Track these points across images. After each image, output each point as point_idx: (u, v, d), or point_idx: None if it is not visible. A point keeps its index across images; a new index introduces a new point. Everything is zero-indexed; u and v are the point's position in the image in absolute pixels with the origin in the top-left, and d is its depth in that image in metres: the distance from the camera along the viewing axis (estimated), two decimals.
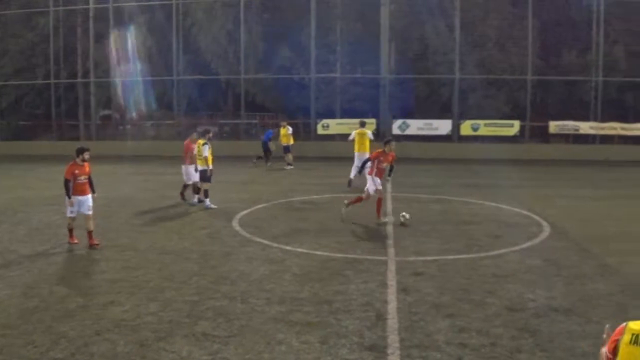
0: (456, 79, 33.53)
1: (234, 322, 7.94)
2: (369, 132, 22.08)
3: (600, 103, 33.24)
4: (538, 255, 11.71)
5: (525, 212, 16.24)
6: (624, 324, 3.60)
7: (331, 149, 32.70)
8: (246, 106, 36.39)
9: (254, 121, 38.10)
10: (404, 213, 14.85)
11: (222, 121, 38.72)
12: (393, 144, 15.35)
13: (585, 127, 32.75)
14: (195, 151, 17.36)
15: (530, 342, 7.47)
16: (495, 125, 32.89)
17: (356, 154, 21.45)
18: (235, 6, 35.67)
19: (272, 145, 28.27)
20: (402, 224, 14.56)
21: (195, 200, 17.52)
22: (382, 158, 14.95)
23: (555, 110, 33.68)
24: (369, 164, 15.05)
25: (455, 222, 15.04)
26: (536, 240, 13.05)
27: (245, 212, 16.28)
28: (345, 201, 15.39)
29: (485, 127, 32.89)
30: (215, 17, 36.29)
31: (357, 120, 28.85)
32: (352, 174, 20.97)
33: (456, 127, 33.12)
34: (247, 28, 35.59)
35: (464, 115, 33.52)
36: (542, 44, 34.30)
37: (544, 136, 33.76)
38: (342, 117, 34.45)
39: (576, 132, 33.06)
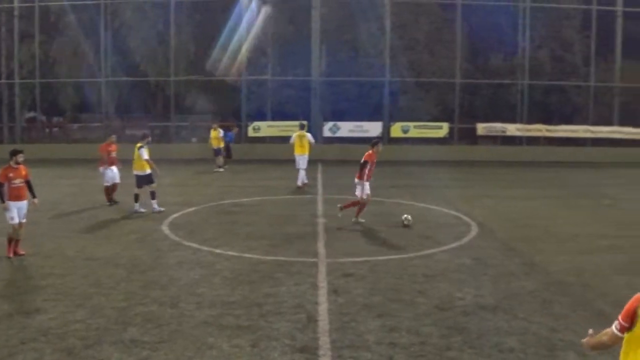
0: (386, 82, 33.89)
1: (163, 328, 7.84)
2: (308, 135, 22.27)
3: (527, 105, 34.13)
4: (466, 255, 11.96)
5: (454, 213, 16.54)
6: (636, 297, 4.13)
7: (262, 151, 32.64)
8: (176, 108, 35.89)
9: (185, 124, 37.59)
10: (406, 215, 15.03)
11: (151, 124, 38.06)
12: (381, 144, 15.66)
13: (512, 129, 33.58)
14: (134, 155, 17.00)
15: (459, 339, 7.62)
16: (425, 127, 33.41)
17: (296, 156, 21.64)
18: (165, 6, 35.15)
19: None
20: (405, 226, 14.76)
21: (155, 206, 16.82)
22: (374, 159, 15.12)
23: (483, 113, 34.40)
24: (367, 166, 14.93)
25: (386, 223, 15.18)
26: (465, 240, 13.32)
27: (175, 215, 16.08)
28: (339, 205, 15.60)
29: (415, 129, 33.36)
30: (145, 17, 35.65)
31: (288, 123, 28.99)
32: (300, 180, 21.29)
33: (386, 129, 33.46)
34: (178, 29, 35.13)
35: (394, 118, 33.91)
36: (470, 47, 34.98)
37: (472, 138, 34.47)
38: (273, 119, 34.37)
39: (503, 134, 33.86)
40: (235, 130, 31.75)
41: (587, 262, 11.70)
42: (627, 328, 4.16)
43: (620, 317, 4.19)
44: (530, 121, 33.82)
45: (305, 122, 24.33)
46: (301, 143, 21.74)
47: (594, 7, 34.24)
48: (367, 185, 14.99)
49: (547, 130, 33.81)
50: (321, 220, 15.26)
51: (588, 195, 21.16)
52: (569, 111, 35.52)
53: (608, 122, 34.67)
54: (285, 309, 8.64)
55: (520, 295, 9.54)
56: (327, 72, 35.00)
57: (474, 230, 14.35)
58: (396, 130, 33.43)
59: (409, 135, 33.48)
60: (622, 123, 34.55)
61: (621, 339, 4.25)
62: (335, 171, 24.45)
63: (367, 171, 14.91)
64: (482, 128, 33.44)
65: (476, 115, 34.26)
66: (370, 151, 15.18)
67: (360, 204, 15.20)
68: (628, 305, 4.16)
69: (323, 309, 8.66)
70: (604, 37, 34.51)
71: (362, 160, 15.11)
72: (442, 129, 33.43)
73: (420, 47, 34.78)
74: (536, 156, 32.43)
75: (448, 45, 34.33)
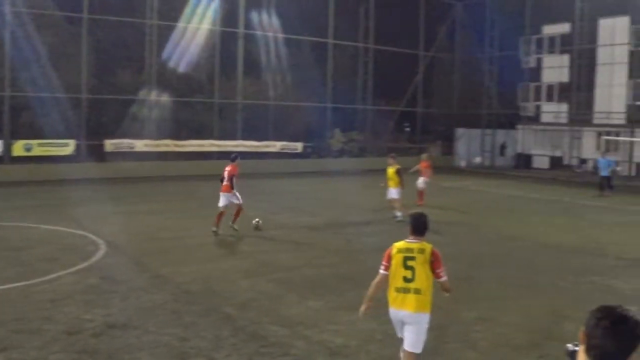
0: (6, 97, 31.59)
1: None
2: None
3: (155, 121, 34.53)
4: (95, 275, 11.70)
5: (81, 232, 16.02)
6: (392, 245, 6.76)
7: None
8: None
9: None
10: (257, 219, 16.72)
11: None
12: (239, 158, 17.70)
13: (141, 145, 33.66)
14: None
15: None
16: (50, 144, 31.83)
17: None
18: None
19: None
20: (257, 228, 16.57)
21: None
22: (237, 172, 16.93)
23: (111, 129, 33.97)
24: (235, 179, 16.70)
25: (5, 249, 14.14)
26: (93, 260, 13.00)
27: None
28: (230, 223, 16.52)
29: (39, 147, 31.60)
30: None
31: None
32: None
33: (7, 148, 31.18)
34: None
35: (16, 135, 31.75)
36: (97, 62, 34.32)
37: (100, 154, 33.71)
38: None
39: (132, 150, 33.77)
40: None
41: (213, 270, 12.26)
42: (388, 266, 6.67)
43: (383, 261, 6.74)
44: (159, 137, 34.27)
45: None
46: None
47: (218, 28, 36.05)
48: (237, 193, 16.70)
49: (176, 145, 34.60)
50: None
51: (214, 206, 22.04)
52: (196, 126, 36.81)
53: (232, 137, 36.72)
54: None
55: (150, 309, 9.63)
56: None
57: (103, 249, 14.07)
58: (18, 148, 31.31)
59: (32, 153, 31.57)
60: (245, 137, 36.91)
61: (387, 275, 6.71)
62: None
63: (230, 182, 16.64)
64: (110, 144, 32.97)
65: (104, 132, 33.67)
66: (231, 166, 16.91)
67: (240, 210, 16.77)
68: (386, 252, 6.76)
69: None
70: (227, 57, 36.57)
71: (228, 175, 16.71)
72: (68, 146, 32.17)
73: (44, 60, 33.09)
74: (165, 171, 32.88)
75: (74, 60, 33.24)
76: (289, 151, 38.00)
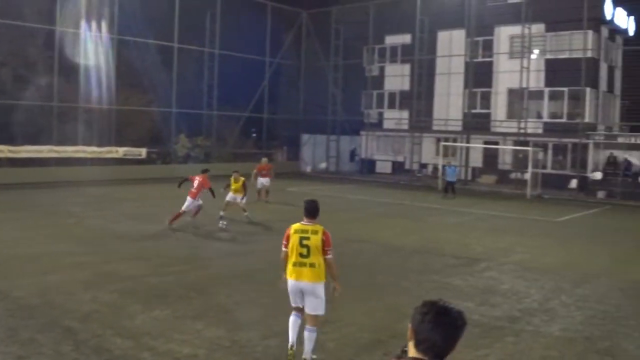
0: None
1: None
2: None
3: None
4: None
5: None
6: (290, 227, 7.95)
7: None
8: None
9: None
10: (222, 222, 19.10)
11: None
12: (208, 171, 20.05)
13: None
14: None
15: None
16: None
17: None
18: None
19: None
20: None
21: None
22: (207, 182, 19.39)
23: None
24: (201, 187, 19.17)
25: None
26: None
27: None
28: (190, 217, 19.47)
29: None
30: None
31: None
32: None
33: None
34: None
35: None
36: None
37: None
38: None
39: None
40: None
41: (51, 282, 11.65)
42: (287, 244, 7.87)
43: (283, 241, 7.95)
44: None
45: None
46: None
47: (58, 28, 34.32)
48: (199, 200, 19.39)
49: (10, 151, 32.66)
50: None
51: (52, 215, 21.05)
52: (33, 131, 34.94)
53: (73, 142, 35.16)
54: None
55: None
56: None
57: None
58: None
59: None
60: (86, 143, 35.45)
61: (287, 252, 7.91)
62: None
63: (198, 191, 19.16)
64: None
65: None
66: (201, 177, 19.37)
67: (196, 212, 19.61)
68: (285, 233, 7.94)
69: None
70: (68, 59, 34.97)
71: (198, 185, 19.13)
72: None
73: None
74: None
75: None
76: (132, 157, 36.90)
